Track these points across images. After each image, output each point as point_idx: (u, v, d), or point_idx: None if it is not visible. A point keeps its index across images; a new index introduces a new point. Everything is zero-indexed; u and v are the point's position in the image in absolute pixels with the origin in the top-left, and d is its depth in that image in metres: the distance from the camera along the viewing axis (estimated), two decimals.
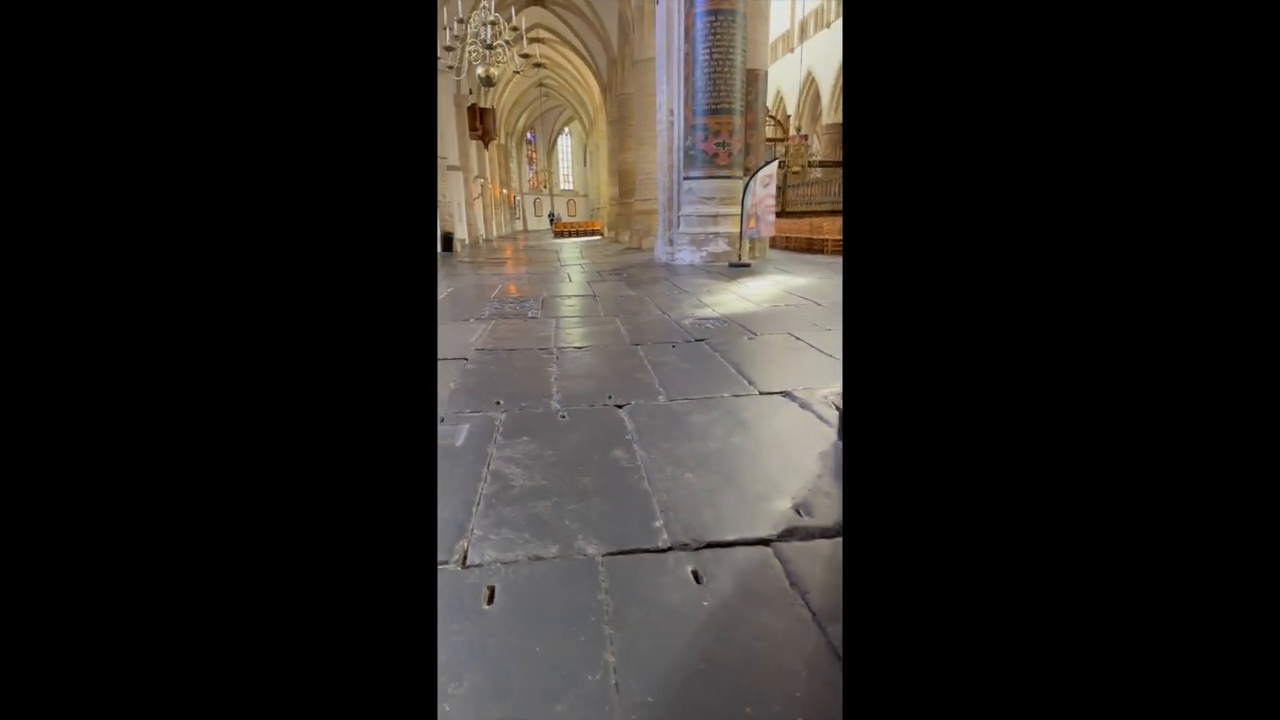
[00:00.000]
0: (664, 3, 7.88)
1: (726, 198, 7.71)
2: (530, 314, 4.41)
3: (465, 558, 1.27)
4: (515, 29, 8.09)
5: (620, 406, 2.24)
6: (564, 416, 2.14)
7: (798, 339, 3.33)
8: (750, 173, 7.53)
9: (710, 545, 1.30)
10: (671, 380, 2.58)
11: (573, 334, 3.65)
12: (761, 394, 2.36)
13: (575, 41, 17.51)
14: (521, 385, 2.56)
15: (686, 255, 7.87)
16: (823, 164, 16.87)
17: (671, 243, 8.20)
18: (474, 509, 1.47)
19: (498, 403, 2.31)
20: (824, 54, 20.42)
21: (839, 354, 2.93)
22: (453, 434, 1.98)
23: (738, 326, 3.73)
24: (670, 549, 1.29)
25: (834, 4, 20.15)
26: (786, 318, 4.00)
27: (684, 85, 7.70)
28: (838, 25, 19.77)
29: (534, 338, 3.54)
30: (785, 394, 2.34)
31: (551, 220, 27.88)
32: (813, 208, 12.97)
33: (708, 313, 4.28)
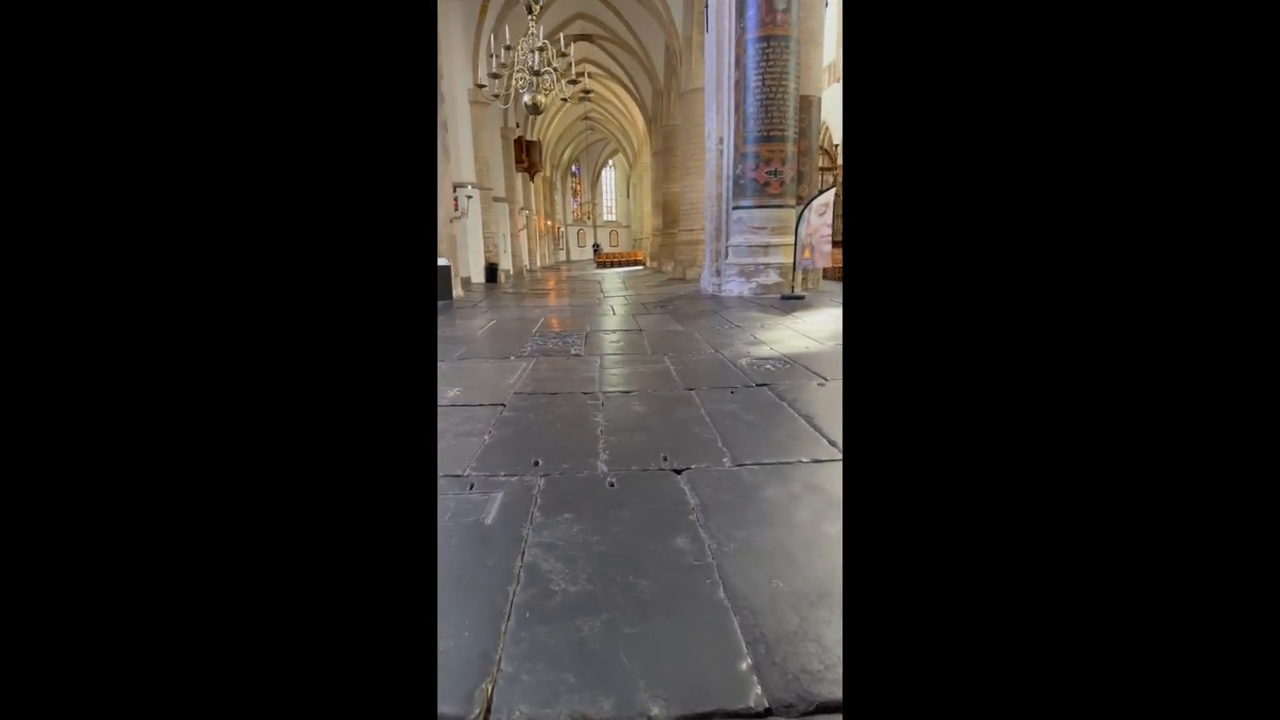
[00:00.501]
0: (713, 31, 7.74)
1: (778, 227, 7.37)
2: (573, 350, 4.13)
3: (489, 710, 0.93)
4: (564, 54, 8.05)
5: (679, 472, 1.89)
6: (612, 484, 1.80)
7: None
8: (804, 201, 7.19)
9: (824, 708, 0.93)
10: (735, 437, 2.22)
11: (619, 375, 3.34)
12: None
13: (621, 75, 17.73)
14: (564, 440, 2.24)
15: (735, 286, 7.53)
16: None
17: (719, 274, 7.88)
18: (503, 626, 1.13)
19: (536, 463, 2.00)
20: None
21: None
22: (483, 506, 1.67)
23: (802, 369, 3.35)
24: (768, 713, 0.92)
25: None
26: None
27: (734, 113, 7.47)
28: None
29: (577, 379, 3.24)
30: None
31: (595, 251, 28.10)
32: None
33: (765, 351, 3.91)
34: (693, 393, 2.89)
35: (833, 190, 6.92)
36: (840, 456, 1.99)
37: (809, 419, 2.41)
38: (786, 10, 6.87)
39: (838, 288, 8.39)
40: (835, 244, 7.30)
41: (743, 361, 3.60)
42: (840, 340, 4.25)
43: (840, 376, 3.13)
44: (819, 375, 3.17)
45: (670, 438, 2.23)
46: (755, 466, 1.92)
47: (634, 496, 1.72)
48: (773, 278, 7.36)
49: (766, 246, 7.41)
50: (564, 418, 2.53)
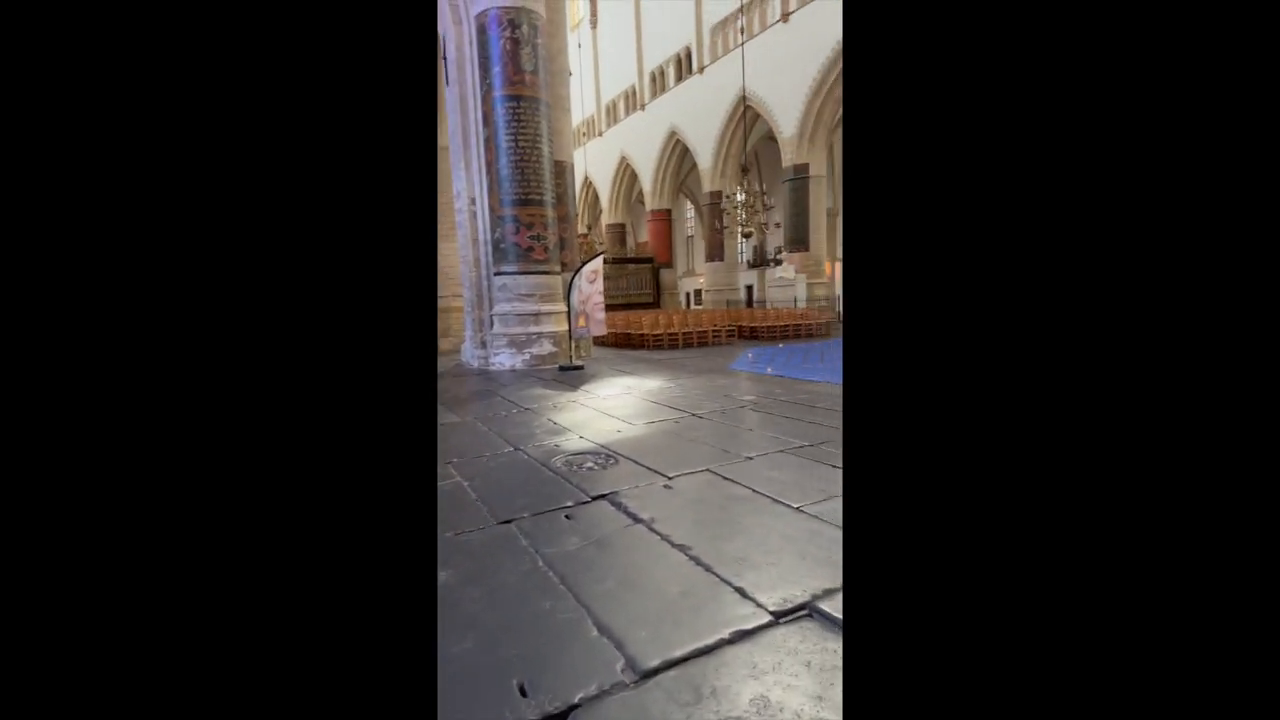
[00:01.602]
0: (454, 86, 7.15)
1: (548, 294, 6.92)
2: None
3: None
4: None
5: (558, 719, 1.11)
6: None
7: (726, 479, 2.50)
8: (572, 268, 6.90)
9: None
10: (610, 607, 1.51)
11: None
12: (777, 618, 1.43)
13: None
14: None
15: (505, 359, 6.78)
16: (618, 260, 17.50)
17: (485, 345, 7.06)
18: None
19: None
20: (599, 160, 21.83)
21: (800, 503, 2.16)
22: None
23: (631, 464, 2.80)
24: None
25: (603, 116, 21.90)
26: (680, 444, 3.19)
27: (486, 172, 6.91)
28: (609, 134, 21.43)
29: None
30: (814, 613, 1.44)
31: None
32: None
33: (576, 442, 3.27)
34: (512, 526, 2.08)
35: (600, 256, 6.78)
36: (764, 613, 1.44)
37: (685, 550, 1.83)
38: (534, 72, 6.66)
39: (613, 355, 8.26)
40: (608, 309, 7.15)
41: (556, 461, 2.90)
42: (646, 418, 3.86)
43: (679, 470, 2.65)
44: (657, 473, 2.64)
45: (513, 631, 1.42)
46: (670, 674, 1.24)
47: None
48: (547, 348, 6.83)
49: (537, 315, 6.88)
50: None
